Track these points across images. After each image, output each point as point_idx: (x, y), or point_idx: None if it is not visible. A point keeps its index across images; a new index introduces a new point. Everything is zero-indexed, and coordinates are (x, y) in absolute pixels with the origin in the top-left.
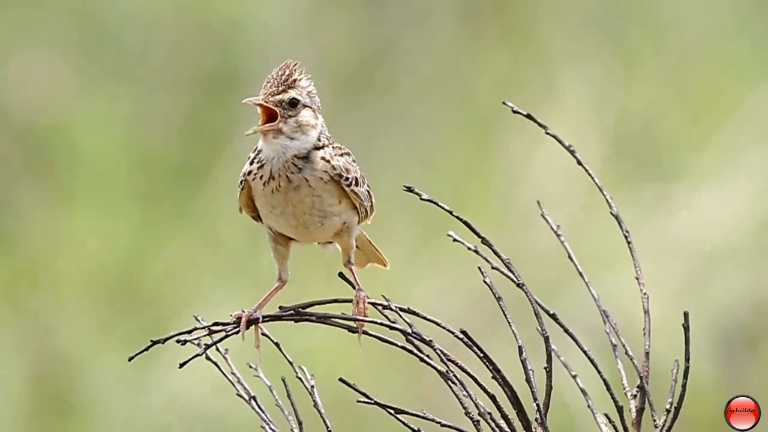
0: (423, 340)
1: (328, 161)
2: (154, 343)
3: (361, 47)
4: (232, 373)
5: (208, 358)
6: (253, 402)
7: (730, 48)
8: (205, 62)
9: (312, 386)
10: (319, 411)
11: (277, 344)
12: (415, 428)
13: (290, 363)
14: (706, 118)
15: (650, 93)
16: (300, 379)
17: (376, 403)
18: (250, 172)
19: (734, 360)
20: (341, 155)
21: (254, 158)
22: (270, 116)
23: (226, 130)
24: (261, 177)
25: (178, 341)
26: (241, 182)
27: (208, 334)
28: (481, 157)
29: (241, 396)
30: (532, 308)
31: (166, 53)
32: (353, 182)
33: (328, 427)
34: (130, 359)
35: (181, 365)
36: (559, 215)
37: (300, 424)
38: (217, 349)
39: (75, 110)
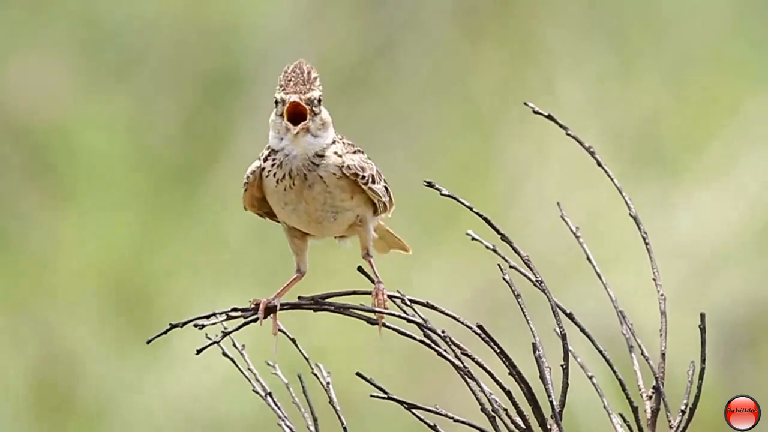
0: (439, 335)
1: (340, 156)
2: (172, 326)
3: (359, 47)
4: (249, 369)
5: (225, 354)
6: (269, 398)
7: (730, 48)
8: (204, 63)
9: (328, 383)
10: (334, 407)
11: (293, 340)
12: (431, 423)
13: (306, 359)
14: (706, 119)
15: (650, 93)
16: (315, 375)
17: (389, 397)
18: (263, 169)
19: (734, 360)
20: (354, 153)
21: (268, 155)
22: (295, 113)
23: (226, 130)
24: (275, 175)
25: (196, 326)
26: (245, 184)
27: (226, 320)
28: (480, 157)
29: (257, 392)
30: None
31: (166, 54)
32: (370, 180)
33: (343, 424)
34: (149, 342)
35: (199, 351)
36: (559, 216)
37: (315, 420)
38: (234, 345)
39: (75, 110)
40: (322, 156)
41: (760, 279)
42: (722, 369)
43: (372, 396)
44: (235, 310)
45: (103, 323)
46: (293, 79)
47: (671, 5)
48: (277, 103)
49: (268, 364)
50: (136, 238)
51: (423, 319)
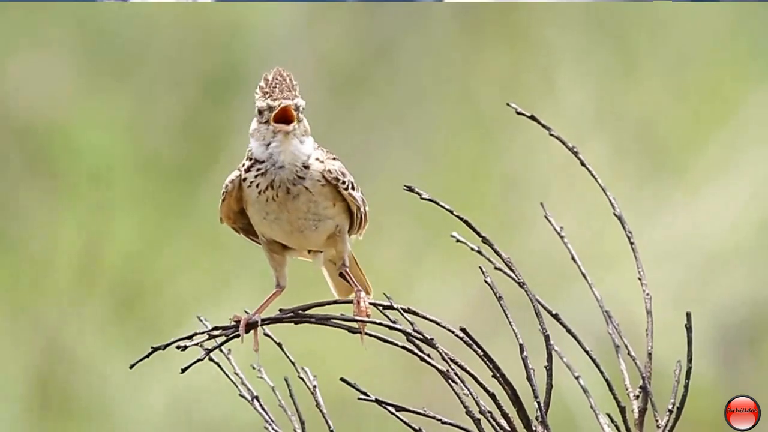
0: (424, 340)
1: (322, 162)
2: (155, 349)
3: (359, 48)
4: (235, 374)
5: (211, 359)
6: (255, 402)
7: (730, 48)
8: (205, 63)
9: (314, 386)
10: (321, 411)
11: (279, 344)
12: (416, 427)
13: (292, 363)
14: (706, 119)
15: (650, 93)
16: (302, 379)
17: (376, 400)
18: (245, 179)
19: (734, 360)
20: (333, 159)
21: (250, 166)
22: (283, 118)
23: (226, 130)
24: (257, 186)
25: (178, 347)
26: (224, 193)
27: (208, 339)
28: (480, 157)
29: (243, 396)
30: (532, 308)
31: (166, 54)
32: (350, 186)
33: (330, 427)
34: (132, 366)
35: (183, 370)
36: (559, 216)
37: (302, 424)
38: (221, 350)
39: (75, 110)
40: (307, 167)
41: (760, 279)
42: (722, 369)
43: (359, 399)
44: (216, 328)
45: (103, 323)
46: (278, 86)
47: (671, 5)
48: (261, 111)
49: (253, 368)
50: (136, 238)
51: (410, 323)
